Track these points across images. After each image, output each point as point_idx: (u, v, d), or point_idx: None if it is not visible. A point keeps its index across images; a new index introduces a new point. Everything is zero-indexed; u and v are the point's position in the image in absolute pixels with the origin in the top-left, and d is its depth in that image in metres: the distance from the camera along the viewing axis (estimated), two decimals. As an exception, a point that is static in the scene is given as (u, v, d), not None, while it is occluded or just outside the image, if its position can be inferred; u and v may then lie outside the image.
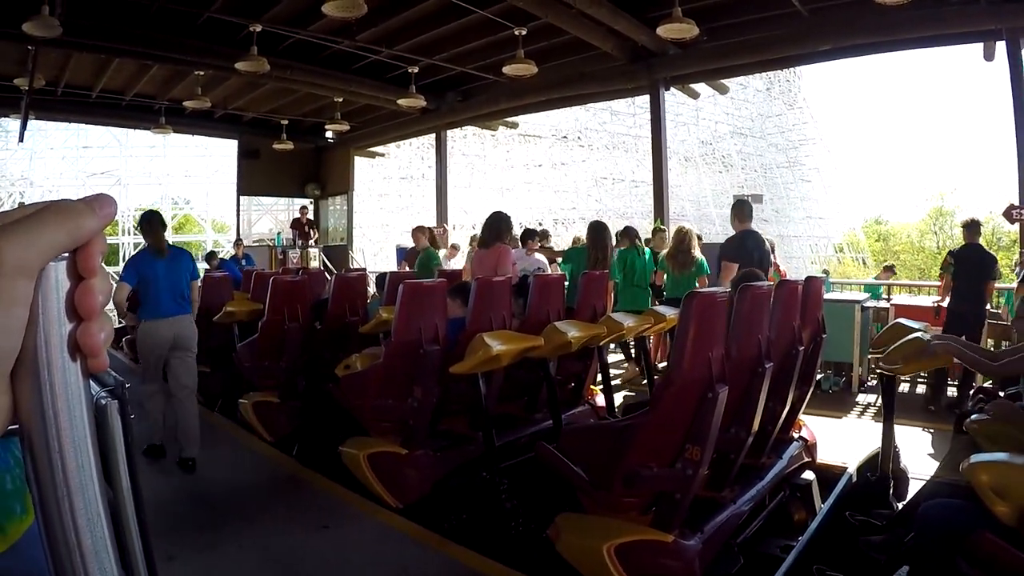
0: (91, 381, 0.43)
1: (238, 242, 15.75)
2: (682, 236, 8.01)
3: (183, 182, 34.06)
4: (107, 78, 12.68)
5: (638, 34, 9.26)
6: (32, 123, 13.84)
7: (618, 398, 6.44)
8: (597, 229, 8.03)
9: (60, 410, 0.41)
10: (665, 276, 8.22)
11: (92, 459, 0.43)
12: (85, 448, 0.42)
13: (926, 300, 7.56)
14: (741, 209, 7.17)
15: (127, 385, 1.44)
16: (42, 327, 0.41)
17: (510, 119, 15.13)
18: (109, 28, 9.68)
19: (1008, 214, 8.45)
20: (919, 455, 4.06)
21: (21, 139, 14.93)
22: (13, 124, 16.59)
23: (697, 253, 8.01)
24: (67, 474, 0.42)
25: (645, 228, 10.53)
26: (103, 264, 0.44)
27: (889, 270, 13.05)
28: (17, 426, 0.42)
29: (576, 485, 3.60)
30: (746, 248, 6.87)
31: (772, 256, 7.85)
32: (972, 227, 7.45)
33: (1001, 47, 8.19)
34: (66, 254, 0.41)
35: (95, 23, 9.47)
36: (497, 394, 4.89)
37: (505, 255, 6.56)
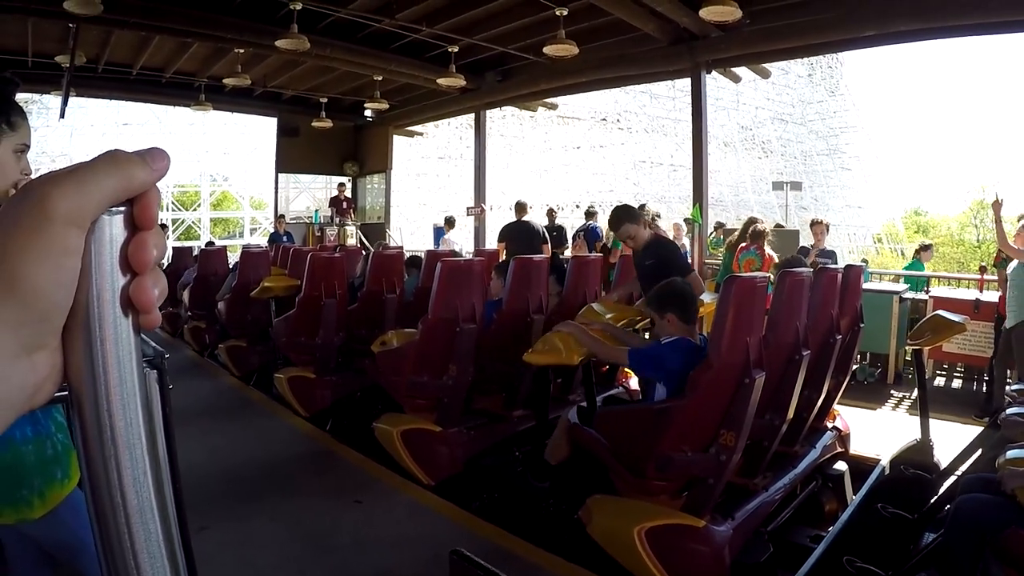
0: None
1: (280, 218, 16.05)
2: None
3: (222, 159, 34.42)
4: (147, 55, 12.81)
5: (680, 16, 9.13)
6: (73, 100, 13.97)
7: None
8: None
9: (110, 366, 0.41)
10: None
11: (140, 418, 0.42)
12: (134, 406, 0.42)
13: (965, 293, 7.34)
14: (521, 206, 10.52)
15: (167, 356, 1.45)
16: (95, 281, 0.40)
17: (549, 100, 14.98)
18: (149, 5, 9.76)
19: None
20: (954, 450, 3.99)
21: (62, 115, 15.05)
22: (54, 101, 16.80)
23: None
24: (115, 431, 0.41)
25: (683, 212, 10.47)
26: (159, 218, 0.43)
27: (927, 249, 11.26)
28: (64, 393, 0.42)
29: (609, 467, 3.61)
30: (522, 231, 10.02)
31: (762, 241, 7.67)
32: None
33: (1050, 37, 7.95)
34: (122, 207, 0.40)
35: (135, 0, 9.55)
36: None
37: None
